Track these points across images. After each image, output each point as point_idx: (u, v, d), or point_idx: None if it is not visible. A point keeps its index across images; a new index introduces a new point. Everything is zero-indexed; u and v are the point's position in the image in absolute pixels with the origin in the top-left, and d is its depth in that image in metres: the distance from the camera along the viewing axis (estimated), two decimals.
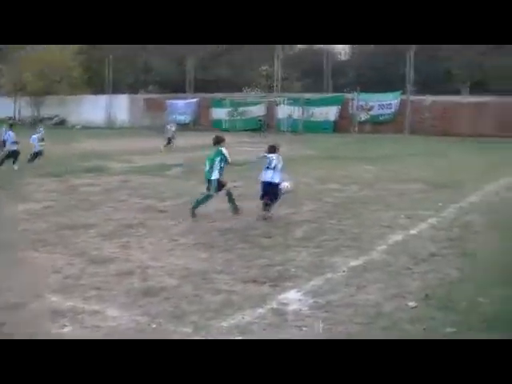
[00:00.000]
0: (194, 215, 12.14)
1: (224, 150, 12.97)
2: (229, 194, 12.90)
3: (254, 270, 7.92)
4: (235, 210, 12.71)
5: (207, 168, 12.78)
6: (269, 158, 12.78)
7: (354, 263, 8.42)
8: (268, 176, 12.48)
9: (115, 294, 7.03)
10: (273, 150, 13.08)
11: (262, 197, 12.35)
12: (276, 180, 12.41)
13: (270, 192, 12.32)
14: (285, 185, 12.51)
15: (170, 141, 32.36)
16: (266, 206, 12.14)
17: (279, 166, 12.70)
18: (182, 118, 55.39)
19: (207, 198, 12.68)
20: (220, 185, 12.62)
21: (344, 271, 7.98)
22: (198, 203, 12.56)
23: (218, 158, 12.68)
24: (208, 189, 12.69)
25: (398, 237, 10.27)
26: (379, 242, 9.76)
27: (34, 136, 22.87)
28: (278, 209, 12.72)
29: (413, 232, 10.72)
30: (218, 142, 13.23)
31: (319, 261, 8.49)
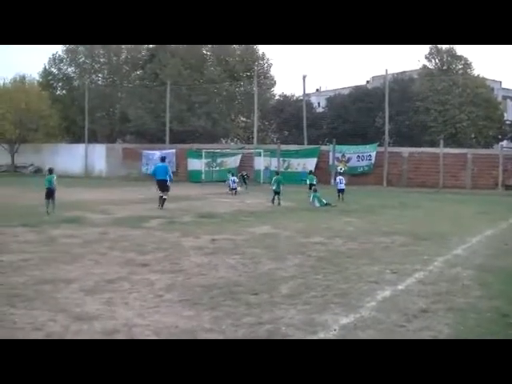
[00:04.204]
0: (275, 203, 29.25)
1: (281, 178, 31.58)
2: (277, 194, 29.62)
3: (243, 329, 7.65)
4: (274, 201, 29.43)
5: (275, 186, 29.89)
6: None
7: (344, 321, 8.18)
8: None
9: None
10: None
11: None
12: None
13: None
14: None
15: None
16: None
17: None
18: None
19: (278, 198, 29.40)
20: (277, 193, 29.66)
21: (335, 330, 7.74)
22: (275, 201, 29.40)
23: (281, 183, 30.16)
24: (277, 193, 29.62)
25: (386, 293, 10.05)
26: (367, 299, 9.53)
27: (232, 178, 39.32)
28: (262, 264, 12.61)
29: (400, 287, 10.52)
30: (277, 173, 34.75)
31: (309, 319, 8.24)
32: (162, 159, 29.52)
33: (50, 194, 22.83)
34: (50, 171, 24.46)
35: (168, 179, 26.75)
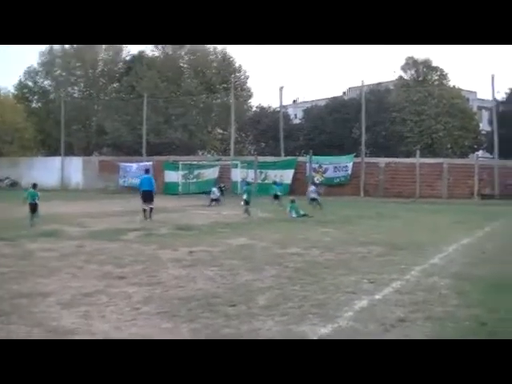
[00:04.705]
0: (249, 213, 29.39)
1: (252, 188, 33.91)
2: (246, 207, 29.72)
3: None
4: (248, 213, 29.31)
5: (246, 195, 30.41)
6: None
7: (322, 331, 8.17)
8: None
9: None
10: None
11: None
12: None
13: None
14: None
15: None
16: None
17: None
18: (135, 182, 54.87)
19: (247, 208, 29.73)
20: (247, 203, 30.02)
21: None
22: (248, 212, 29.47)
23: (248, 193, 30.77)
24: (247, 203, 29.99)
25: (363, 302, 10.07)
26: (345, 309, 9.54)
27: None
28: (240, 275, 12.62)
29: (378, 297, 10.54)
30: (248, 183, 37.03)
31: (287, 330, 8.24)
32: (147, 171, 31.68)
33: (33, 208, 23.29)
34: (34, 186, 24.79)
35: (153, 190, 27.87)
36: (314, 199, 35.22)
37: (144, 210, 26.59)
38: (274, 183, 41.36)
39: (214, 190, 40.97)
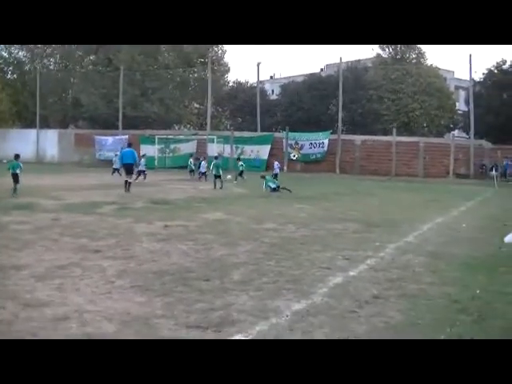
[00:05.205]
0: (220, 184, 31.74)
1: (220, 162, 33.69)
2: (217, 178, 31.68)
3: (195, 315, 7.62)
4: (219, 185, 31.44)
5: (215, 170, 32.09)
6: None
7: (296, 307, 8.19)
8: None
9: None
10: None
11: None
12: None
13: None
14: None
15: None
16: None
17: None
18: (111, 155, 54.57)
19: (221, 181, 31.76)
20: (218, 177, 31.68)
21: (287, 315, 7.75)
22: (217, 185, 31.58)
23: (220, 168, 32.26)
24: (219, 177, 31.68)
25: (338, 279, 10.09)
26: (320, 285, 9.55)
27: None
28: (214, 250, 12.61)
29: (352, 273, 10.58)
30: (216, 158, 35.85)
31: (261, 304, 8.24)
32: (129, 145, 31.78)
33: (15, 178, 23.86)
34: (16, 157, 25.29)
35: (134, 164, 28.61)
36: (275, 174, 37.13)
37: (126, 182, 27.04)
38: (238, 159, 42.99)
39: (203, 163, 40.70)
